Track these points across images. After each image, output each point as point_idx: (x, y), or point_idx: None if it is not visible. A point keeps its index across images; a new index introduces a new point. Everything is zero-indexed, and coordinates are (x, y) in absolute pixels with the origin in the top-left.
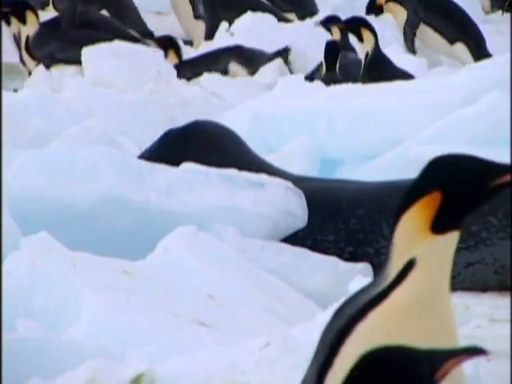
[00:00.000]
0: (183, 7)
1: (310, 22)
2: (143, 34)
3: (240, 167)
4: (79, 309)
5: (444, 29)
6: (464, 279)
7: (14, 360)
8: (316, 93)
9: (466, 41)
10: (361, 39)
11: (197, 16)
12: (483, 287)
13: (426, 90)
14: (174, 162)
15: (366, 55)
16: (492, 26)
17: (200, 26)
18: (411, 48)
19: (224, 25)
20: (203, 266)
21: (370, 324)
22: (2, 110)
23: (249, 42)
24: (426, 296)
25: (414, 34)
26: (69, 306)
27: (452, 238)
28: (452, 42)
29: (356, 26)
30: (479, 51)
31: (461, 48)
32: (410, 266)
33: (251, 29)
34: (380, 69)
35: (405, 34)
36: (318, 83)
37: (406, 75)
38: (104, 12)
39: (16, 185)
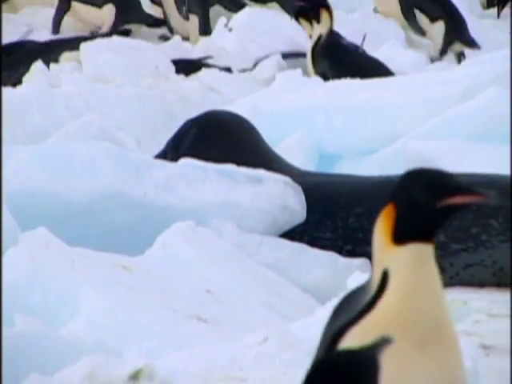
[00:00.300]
0: (171, 8)
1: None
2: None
3: (251, 159)
4: (78, 304)
5: (426, 6)
6: (462, 279)
7: (13, 355)
8: (314, 88)
9: (447, 21)
10: (318, 20)
11: (184, 16)
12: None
13: (425, 85)
14: (190, 153)
15: (319, 38)
16: (490, 21)
17: (189, 25)
18: (418, 30)
19: (222, 20)
20: (201, 261)
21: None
22: (1, 105)
23: (247, 37)
24: (402, 308)
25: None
26: (67, 301)
27: (417, 249)
28: (433, 20)
29: (316, 4)
30: (459, 35)
31: (440, 26)
32: (385, 277)
33: (249, 24)
34: (337, 54)
35: (407, 19)
36: (316, 78)
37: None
38: (109, 6)
39: (15, 180)
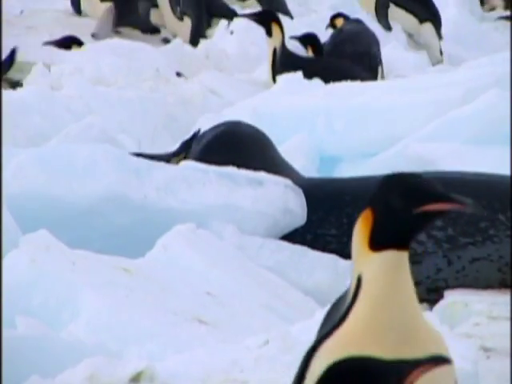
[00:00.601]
0: (165, 8)
1: (308, 19)
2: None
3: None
4: (78, 306)
5: (415, 8)
6: (467, 274)
7: (14, 358)
8: (315, 90)
9: (434, 21)
10: (270, 34)
11: (178, 17)
12: (485, 284)
13: (425, 87)
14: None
15: (274, 51)
16: (490, 24)
17: (183, 26)
18: (386, 25)
19: (223, 22)
20: (202, 263)
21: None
22: (1, 108)
23: (248, 40)
24: (372, 315)
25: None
26: (68, 303)
27: (391, 256)
28: (422, 21)
29: (266, 19)
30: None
31: (429, 28)
32: (358, 283)
33: (250, 26)
34: (294, 63)
35: (377, 13)
36: (316, 81)
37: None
38: (109, 4)
39: (15, 183)
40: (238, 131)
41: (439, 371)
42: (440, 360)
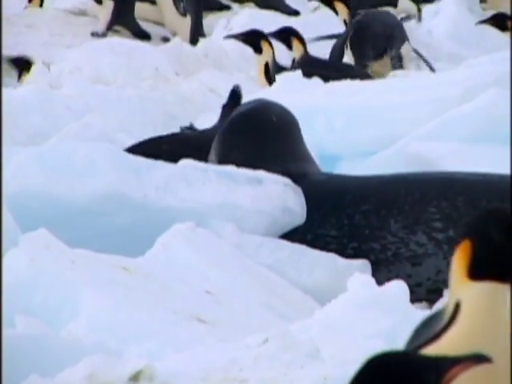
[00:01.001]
0: (166, 4)
1: (307, 17)
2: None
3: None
4: (78, 305)
5: None
6: None
7: (13, 357)
8: (314, 89)
9: None
10: (259, 51)
11: (181, 13)
12: None
13: (425, 86)
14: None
15: (266, 64)
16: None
17: (185, 23)
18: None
19: (223, 21)
20: (202, 262)
21: None
22: (1, 107)
23: None
24: (468, 338)
25: None
26: (68, 302)
27: (491, 287)
28: None
29: (254, 39)
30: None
31: None
32: (457, 309)
33: (249, 25)
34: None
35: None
36: (316, 79)
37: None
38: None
39: (15, 182)
40: (267, 110)
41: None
42: (481, 358)
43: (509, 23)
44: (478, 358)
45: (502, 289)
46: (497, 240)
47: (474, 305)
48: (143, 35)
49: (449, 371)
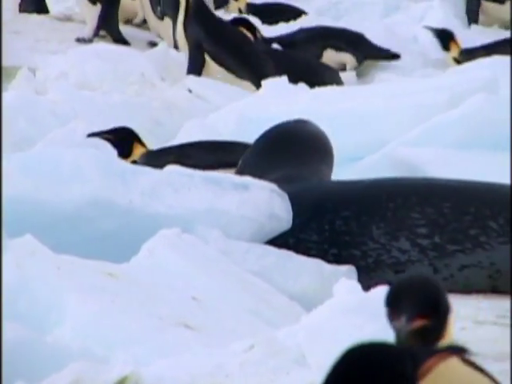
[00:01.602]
0: (147, 7)
1: (294, 24)
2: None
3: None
4: (64, 311)
5: None
6: (457, 281)
7: None
8: (301, 95)
9: None
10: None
11: (158, 16)
12: (475, 291)
13: (411, 92)
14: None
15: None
16: (477, 29)
17: (165, 26)
18: None
19: None
20: (188, 268)
21: None
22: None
23: None
24: None
25: None
26: (53, 308)
27: None
28: None
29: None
30: None
31: None
32: None
33: None
34: None
35: None
36: (302, 85)
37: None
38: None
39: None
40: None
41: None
42: (456, 349)
43: (451, 44)
44: (454, 350)
45: None
46: None
47: None
48: (123, 42)
49: (425, 362)
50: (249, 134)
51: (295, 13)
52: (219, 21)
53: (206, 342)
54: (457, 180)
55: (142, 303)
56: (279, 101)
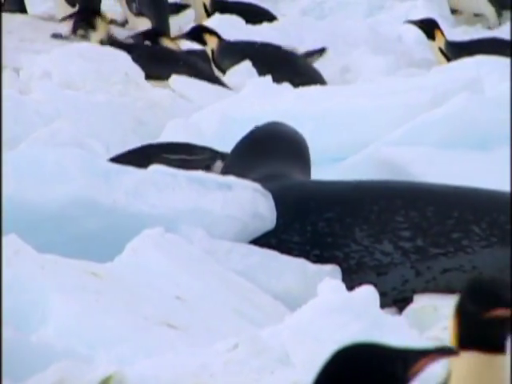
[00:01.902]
0: (123, 3)
1: (278, 24)
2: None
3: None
4: (48, 311)
5: None
6: (438, 284)
7: None
8: (284, 95)
9: None
10: (204, 43)
11: (134, 13)
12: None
13: (395, 91)
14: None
15: (212, 52)
16: (461, 29)
17: (142, 24)
18: None
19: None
20: (172, 267)
21: None
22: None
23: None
24: None
25: None
26: (37, 307)
27: (476, 357)
28: None
29: (197, 33)
30: None
31: None
32: (448, 378)
33: (219, 31)
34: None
35: None
36: (286, 85)
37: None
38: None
39: None
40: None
41: None
42: (448, 350)
43: (436, 32)
44: (445, 351)
45: (488, 358)
46: (473, 311)
47: (460, 374)
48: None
49: (416, 363)
50: (232, 134)
51: (261, 13)
52: None
53: (189, 341)
54: (441, 184)
55: (125, 303)
56: (263, 100)
